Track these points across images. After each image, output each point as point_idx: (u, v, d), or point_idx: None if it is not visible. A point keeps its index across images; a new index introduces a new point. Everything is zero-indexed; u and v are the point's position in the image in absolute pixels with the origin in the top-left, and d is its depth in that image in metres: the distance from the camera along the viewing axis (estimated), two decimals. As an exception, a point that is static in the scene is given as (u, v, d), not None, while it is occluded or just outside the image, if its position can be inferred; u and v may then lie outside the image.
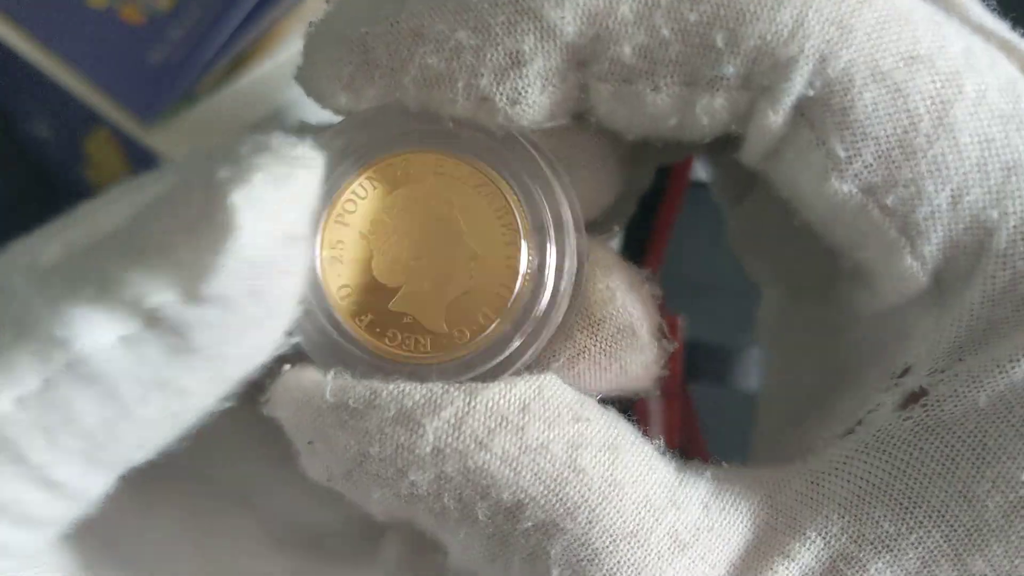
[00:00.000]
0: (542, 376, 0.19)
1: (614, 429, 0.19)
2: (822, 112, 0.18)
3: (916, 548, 0.19)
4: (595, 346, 0.20)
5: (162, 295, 0.16)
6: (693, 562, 0.19)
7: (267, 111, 0.37)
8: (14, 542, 0.18)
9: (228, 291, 0.16)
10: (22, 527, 0.18)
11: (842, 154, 0.18)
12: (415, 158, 0.20)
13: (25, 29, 0.37)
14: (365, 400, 0.19)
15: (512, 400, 0.19)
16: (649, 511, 0.19)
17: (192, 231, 0.16)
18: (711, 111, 0.19)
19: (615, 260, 0.20)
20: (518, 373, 0.20)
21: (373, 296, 0.20)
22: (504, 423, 0.18)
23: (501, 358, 0.20)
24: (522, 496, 0.18)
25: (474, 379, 0.19)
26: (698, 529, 0.19)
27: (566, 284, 0.20)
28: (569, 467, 0.18)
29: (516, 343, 0.20)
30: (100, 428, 0.17)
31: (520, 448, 0.18)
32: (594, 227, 0.21)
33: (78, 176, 0.42)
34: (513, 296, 0.20)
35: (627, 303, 0.20)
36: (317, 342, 0.20)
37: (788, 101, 0.18)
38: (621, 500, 0.19)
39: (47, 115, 0.40)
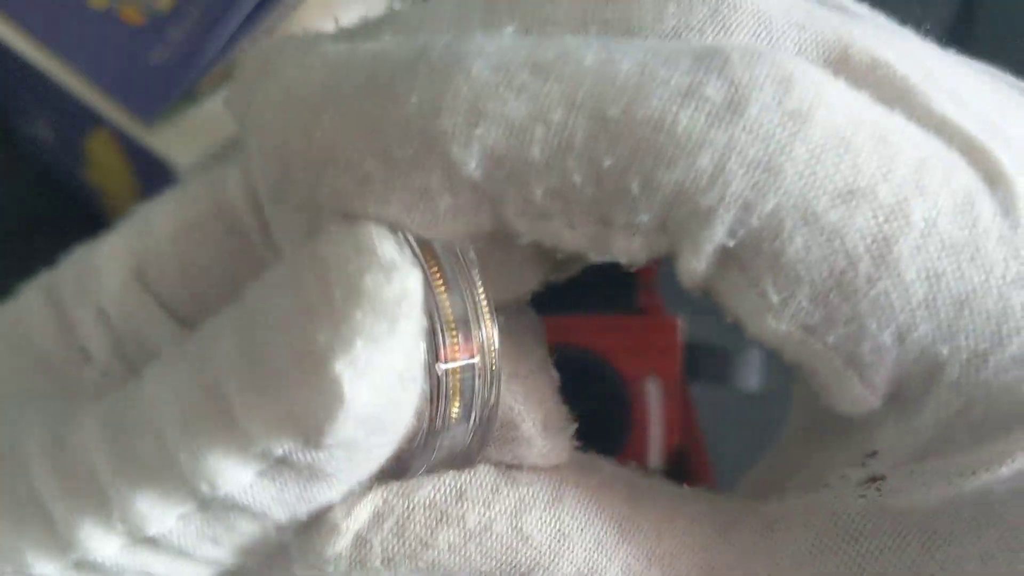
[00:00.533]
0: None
1: (556, 479, 0.20)
2: (752, 256, 0.17)
3: None
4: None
5: (284, 445, 0.17)
6: None
7: (267, 111, 0.37)
8: None
9: (348, 438, 0.16)
10: None
11: (775, 299, 0.17)
12: None
13: (25, 29, 0.37)
14: (325, 529, 0.19)
15: (448, 492, 0.19)
16: (601, 552, 0.19)
17: (304, 382, 0.16)
18: (629, 251, 0.18)
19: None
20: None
21: None
22: (444, 518, 0.19)
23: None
24: (476, 575, 0.19)
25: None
26: (650, 559, 0.19)
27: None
28: (516, 537, 0.19)
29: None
30: (259, 541, 0.19)
31: (464, 537, 0.19)
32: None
33: (78, 176, 0.42)
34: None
35: (506, 398, 0.19)
36: None
37: (709, 248, 0.17)
38: (571, 551, 0.19)
39: (47, 115, 0.40)
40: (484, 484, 0.19)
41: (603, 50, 0.17)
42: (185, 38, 0.35)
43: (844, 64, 0.18)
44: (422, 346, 0.17)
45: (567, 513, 0.19)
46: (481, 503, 0.19)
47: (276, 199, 0.19)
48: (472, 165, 0.17)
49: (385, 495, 0.19)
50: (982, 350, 0.17)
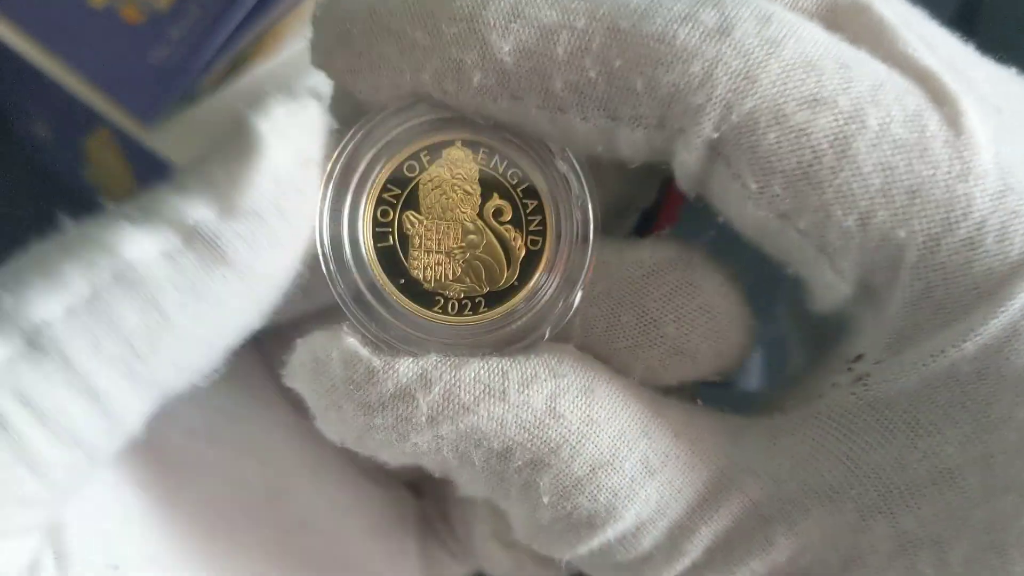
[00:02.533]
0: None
1: (590, 373, 0.22)
2: (734, 151, 0.20)
3: (855, 501, 0.22)
4: (710, 342, 0.23)
5: (200, 212, 0.19)
6: (662, 485, 0.22)
7: (267, 111, 0.37)
8: (59, 461, 0.20)
9: (257, 205, 0.20)
10: (64, 444, 0.20)
11: (753, 186, 0.20)
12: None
13: (25, 29, 0.37)
14: (366, 376, 0.21)
15: (493, 369, 0.22)
16: (623, 442, 0.22)
17: (225, 157, 0.20)
18: (632, 143, 0.21)
19: (715, 263, 0.23)
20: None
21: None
22: (487, 389, 0.21)
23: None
24: (509, 443, 0.21)
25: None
26: (667, 456, 0.22)
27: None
28: (549, 414, 0.22)
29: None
30: (142, 337, 0.20)
31: (503, 407, 0.21)
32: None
33: (78, 176, 0.42)
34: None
35: (712, 287, 0.23)
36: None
37: (699, 142, 0.20)
38: (597, 435, 0.22)
39: (47, 115, 0.40)
40: (526, 369, 0.22)
41: None
42: (185, 37, 0.35)
43: (832, 6, 0.22)
44: (321, 135, 0.21)
45: (597, 403, 0.22)
46: (522, 382, 0.22)
47: (325, 57, 0.23)
48: (505, 50, 0.21)
49: (435, 362, 0.22)
50: (935, 233, 0.20)
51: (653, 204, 0.28)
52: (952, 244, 0.20)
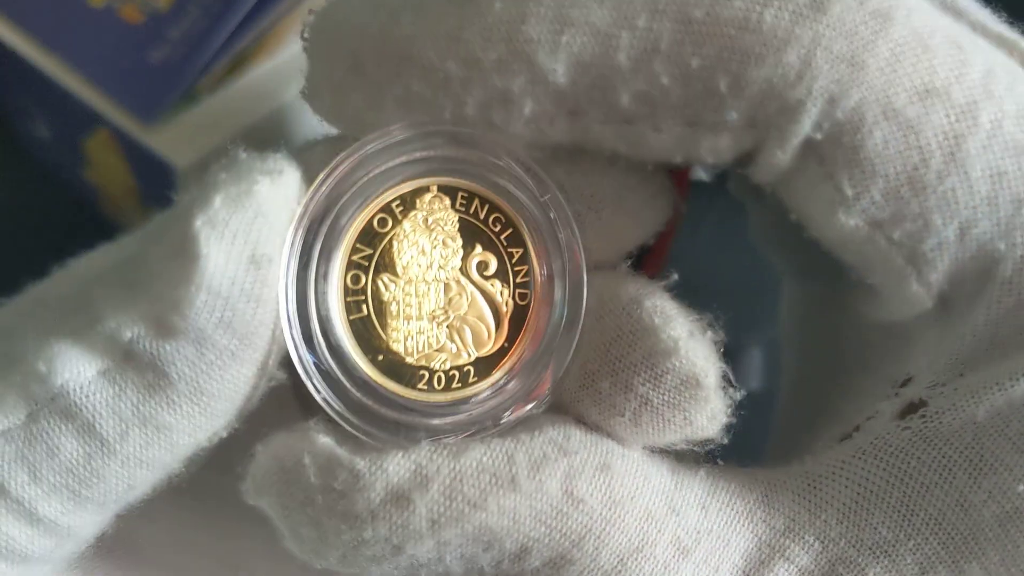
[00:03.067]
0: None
1: (602, 448, 0.19)
2: (832, 149, 0.18)
3: (914, 554, 0.19)
4: (658, 398, 0.19)
5: (135, 329, 0.17)
6: (697, 566, 0.19)
7: (267, 111, 0.37)
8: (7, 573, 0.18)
9: (200, 324, 0.17)
10: (10, 562, 0.18)
11: (850, 192, 0.18)
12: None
13: (25, 29, 0.37)
14: (349, 482, 0.18)
15: (497, 454, 0.18)
16: (651, 523, 0.19)
17: (166, 263, 0.17)
18: (716, 150, 0.18)
19: (675, 309, 0.20)
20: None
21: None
22: (495, 479, 0.18)
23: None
24: (526, 541, 0.18)
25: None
26: (699, 533, 0.19)
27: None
28: (567, 501, 0.18)
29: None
30: (82, 464, 0.18)
31: (516, 498, 0.18)
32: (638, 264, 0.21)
33: (78, 176, 0.42)
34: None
35: (690, 353, 0.19)
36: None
37: (796, 141, 0.18)
38: (623, 519, 0.18)
39: (47, 115, 0.40)
40: (533, 449, 0.19)
41: None
42: (185, 37, 0.35)
43: None
44: (279, 226, 0.18)
45: (617, 481, 0.19)
46: (531, 466, 0.18)
47: (335, 97, 0.19)
48: (560, 71, 0.17)
49: (428, 454, 0.18)
50: None
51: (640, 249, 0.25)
52: None
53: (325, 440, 0.18)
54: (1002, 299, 0.18)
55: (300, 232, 0.19)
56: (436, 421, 0.20)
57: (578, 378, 0.20)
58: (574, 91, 0.18)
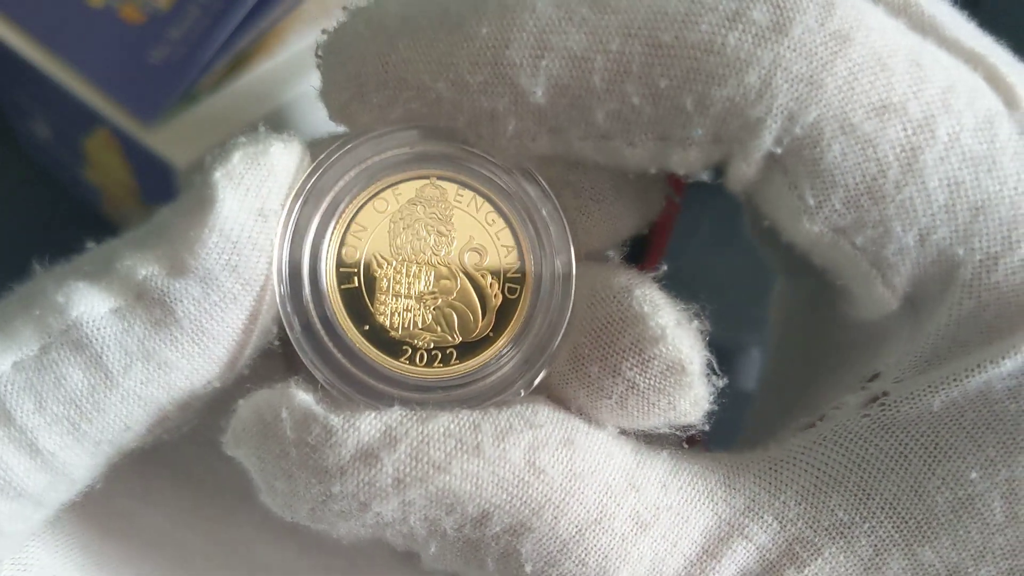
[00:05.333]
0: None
1: (567, 424, 0.20)
2: (794, 162, 0.18)
3: (868, 536, 0.20)
4: (645, 383, 0.20)
5: (149, 268, 0.18)
6: (655, 541, 0.20)
7: (267, 111, 0.37)
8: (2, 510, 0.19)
9: (209, 264, 0.18)
10: (6, 496, 0.19)
11: (812, 201, 0.19)
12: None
13: (25, 29, 0.37)
14: (323, 437, 0.19)
15: (464, 422, 0.19)
16: (610, 497, 0.20)
17: (182, 211, 0.19)
18: (686, 163, 0.19)
19: (664, 299, 0.20)
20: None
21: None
22: (460, 444, 0.19)
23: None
24: (487, 506, 0.19)
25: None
26: (658, 509, 0.20)
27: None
28: (529, 470, 0.19)
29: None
30: (86, 396, 0.19)
31: (479, 464, 0.19)
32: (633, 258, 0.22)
33: (78, 176, 0.42)
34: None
35: (676, 340, 0.20)
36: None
37: (758, 155, 0.19)
38: (583, 491, 0.19)
39: (47, 115, 0.40)
40: (500, 420, 0.19)
41: None
42: (185, 37, 0.35)
43: (876, 3, 0.19)
44: (285, 187, 0.19)
45: (579, 455, 0.20)
46: (496, 435, 0.19)
47: (344, 119, 0.21)
48: (539, 93, 0.19)
49: (399, 417, 0.19)
50: (994, 252, 0.19)
51: (642, 235, 0.26)
52: (1010, 264, 0.19)
53: (304, 396, 0.19)
54: (963, 301, 0.19)
55: (300, 201, 0.20)
56: (413, 395, 0.20)
57: (568, 362, 0.20)
58: (553, 110, 0.19)
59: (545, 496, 0.19)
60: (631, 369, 0.20)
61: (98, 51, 0.36)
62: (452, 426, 0.19)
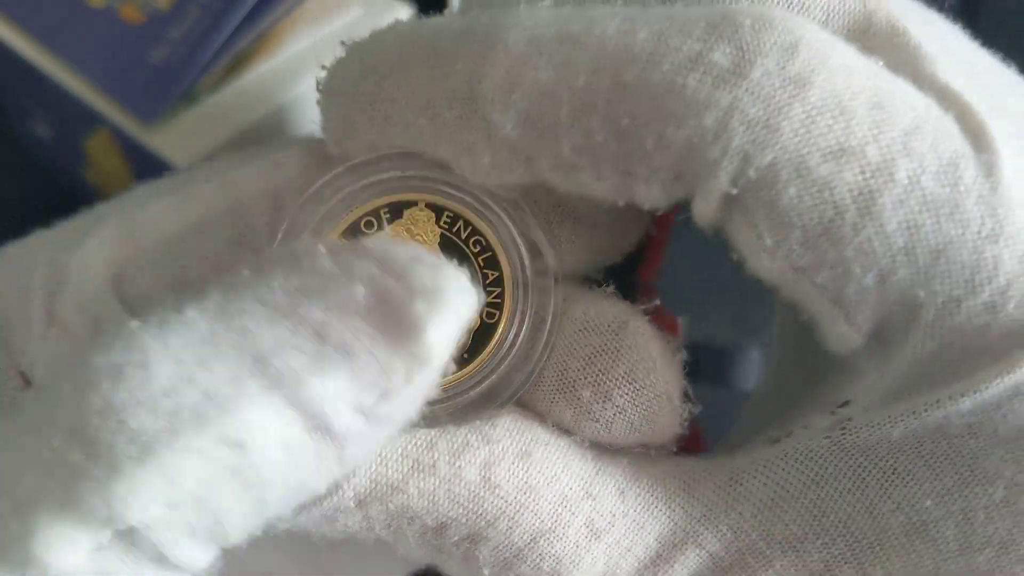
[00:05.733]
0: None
1: (526, 436, 0.21)
2: (752, 202, 0.18)
3: (820, 552, 0.20)
4: (634, 409, 0.21)
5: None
6: (609, 547, 0.21)
7: (267, 111, 0.37)
8: None
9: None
10: None
11: (769, 241, 0.19)
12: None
13: (25, 29, 0.37)
14: None
15: (420, 442, 0.20)
16: (565, 506, 0.21)
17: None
18: (650, 198, 0.20)
19: (654, 332, 0.22)
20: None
21: None
22: (416, 465, 0.20)
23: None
24: (443, 519, 0.20)
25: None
26: (614, 516, 0.21)
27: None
28: (484, 486, 0.20)
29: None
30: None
31: (434, 482, 0.20)
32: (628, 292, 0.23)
33: (78, 176, 0.42)
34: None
35: (666, 371, 0.21)
36: None
37: (716, 195, 0.19)
38: (537, 503, 0.20)
39: (47, 115, 0.40)
40: (455, 437, 0.21)
41: (626, 20, 0.19)
42: (185, 37, 0.35)
43: (865, 29, 0.20)
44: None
45: (535, 468, 0.21)
46: (451, 453, 0.20)
47: (341, 153, 0.22)
48: (509, 127, 0.19)
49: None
50: (956, 296, 0.19)
51: (636, 249, 0.27)
52: (973, 307, 0.19)
53: None
54: (925, 342, 0.19)
55: (289, 219, 0.20)
56: None
57: (556, 383, 0.21)
58: (524, 143, 0.19)
59: (499, 509, 0.20)
60: (622, 397, 0.21)
61: (98, 51, 0.36)
62: (409, 447, 0.20)
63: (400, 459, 0.20)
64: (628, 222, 0.23)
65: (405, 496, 0.20)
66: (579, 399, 0.21)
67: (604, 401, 0.21)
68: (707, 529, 0.21)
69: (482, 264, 0.21)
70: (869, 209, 0.18)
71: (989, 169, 0.18)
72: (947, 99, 0.19)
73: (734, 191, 0.18)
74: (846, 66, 0.18)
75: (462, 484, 0.20)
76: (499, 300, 0.21)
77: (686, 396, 0.22)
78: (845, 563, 0.20)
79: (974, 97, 0.19)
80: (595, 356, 0.21)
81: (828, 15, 0.20)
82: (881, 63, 0.19)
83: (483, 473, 0.20)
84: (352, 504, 0.20)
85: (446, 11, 0.22)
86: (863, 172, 0.18)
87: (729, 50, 0.18)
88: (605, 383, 0.21)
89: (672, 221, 0.28)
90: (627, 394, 0.21)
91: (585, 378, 0.21)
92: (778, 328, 0.28)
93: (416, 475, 0.20)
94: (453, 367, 0.20)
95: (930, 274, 0.18)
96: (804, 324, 0.22)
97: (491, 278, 0.21)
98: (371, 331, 0.17)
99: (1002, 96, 0.20)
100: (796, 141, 0.18)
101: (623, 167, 0.19)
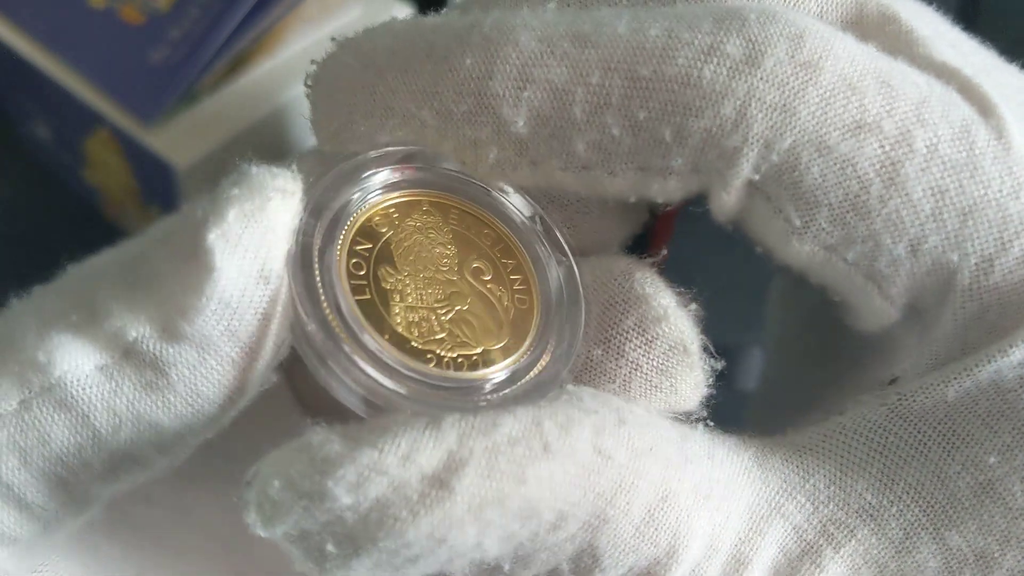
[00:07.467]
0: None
1: (612, 403, 0.19)
2: (775, 187, 0.19)
3: (898, 519, 0.20)
4: (648, 363, 0.20)
5: (140, 330, 0.17)
6: (712, 513, 0.19)
7: (267, 111, 0.37)
8: None
9: (205, 331, 0.17)
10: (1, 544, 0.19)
11: (798, 222, 0.19)
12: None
13: (25, 29, 0.37)
14: (382, 487, 0.16)
15: (526, 423, 0.17)
16: (672, 471, 0.19)
17: (176, 269, 0.18)
18: (666, 192, 0.20)
19: (663, 283, 0.21)
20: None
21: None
22: (529, 449, 0.17)
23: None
24: (563, 507, 0.17)
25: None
26: (711, 481, 0.20)
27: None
28: (598, 458, 0.18)
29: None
30: (73, 454, 0.18)
31: (550, 466, 0.17)
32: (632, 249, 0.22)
33: (78, 176, 0.42)
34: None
35: (679, 321, 0.20)
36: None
37: (737, 184, 0.19)
38: (648, 469, 0.18)
39: (47, 115, 0.40)
40: (557, 412, 0.18)
41: (634, 19, 0.19)
42: (185, 37, 0.35)
43: (859, 19, 0.21)
44: (286, 244, 0.18)
45: (636, 433, 0.18)
46: (560, 428, 0.17)
47: (334, 147, 0.21)
48: (520, 123, 0.19)
49: (459, 435, 0.17)
50: (988, 255, 0.19)
51: (644, 230, 0.26)
52: (1007, 264, 0.19)
53: (337, 448, 0.16)
54: (965, 305, 0.20)
55: (301, 228, 0.19)
56: (446, 401, 0.19)
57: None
58: (534, 141, 0.20)
59: (616, 482, 0.18)
60: (635, 350, 0.20)
61: (98, 51, 0.36)
62: (515, 430, 0.17)
63: (510, 446, 0.17)
64: (626, 210, 0.22)
65: (527, 488, 0.17)
66: (591, 360, 0.20)
67: (617, 358, 0.20)
68: (787, 500, 0.20)
69: (500, 255, 0.21)
70: (893, 180, 0.19)
71: (999, 132, 0.19)
72: (946, 74, 0.20)
73: (757, 177, 0.19)
74: (849, 50, 0.19)
75: (577, 462, 0.17)
76: (526, 287, 0.21)
77: (708, 351, 0.21)
78: (922, 529, 0.20)
79: (971, 71, 0.20)
80: (604, 311, 0.20)
81: (822, 9, 0.21)
82: (876, 48, 0.20)
83: (594, 444, 0.18)
84: (466, 511, 0.16)
85: (443, 12, 0.22)
86: (883, 145, 0.19)
87: (740, 42, 0.18)
88: (616, 337, 0.20)
89: (674, 217, 0.28)
90: (639, 347, 0.20)
91: (595, 336, 0.20)
92: (781, 311, 0.28)
93: (532, 461, 0.17)
94: (499, 356, 0.20)
95: (961, 236, 0.19)
96: (825, 305, 0.22)
97: (511, 266, 0.21)
98: (168, 255, 0.18)
99: (988, 72, 0.21)
100: (814, 122, 0.18)
101: (639, 162, 0.19)
